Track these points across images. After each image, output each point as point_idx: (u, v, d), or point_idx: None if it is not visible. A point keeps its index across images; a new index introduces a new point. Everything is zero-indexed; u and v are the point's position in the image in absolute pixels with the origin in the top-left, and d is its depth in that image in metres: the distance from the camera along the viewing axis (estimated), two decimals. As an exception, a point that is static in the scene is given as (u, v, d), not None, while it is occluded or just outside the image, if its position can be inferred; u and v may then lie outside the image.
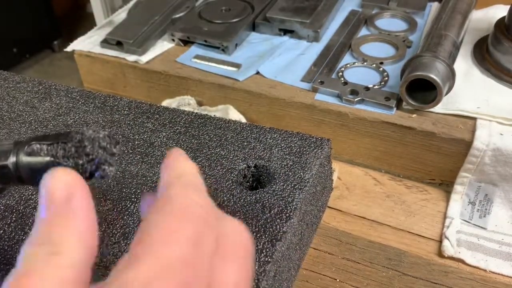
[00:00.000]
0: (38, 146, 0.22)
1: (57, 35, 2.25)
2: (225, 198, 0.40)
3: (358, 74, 0.65)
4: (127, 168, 0.44)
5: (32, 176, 0.22)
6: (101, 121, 0.50)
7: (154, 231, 0.18)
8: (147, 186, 0.42)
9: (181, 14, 0.77)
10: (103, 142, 0.22)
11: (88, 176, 0.22)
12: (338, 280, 0.48)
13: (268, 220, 0.38)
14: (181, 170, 0.22)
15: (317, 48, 0.70)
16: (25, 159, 0.22)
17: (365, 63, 0.66)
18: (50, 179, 0.20)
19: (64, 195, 0.19)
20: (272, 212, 0.38)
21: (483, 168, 0.54)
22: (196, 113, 0.50)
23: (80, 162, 0.22)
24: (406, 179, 0.60)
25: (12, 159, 0.22)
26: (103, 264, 0.36)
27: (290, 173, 0.42)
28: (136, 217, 0.39)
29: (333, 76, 0.64)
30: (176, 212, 0.19)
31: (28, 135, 0.49)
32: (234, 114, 0.64)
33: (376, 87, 0.61)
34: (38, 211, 0.19)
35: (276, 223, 0.37)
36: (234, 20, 0.74)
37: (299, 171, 0.42)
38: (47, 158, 0.22)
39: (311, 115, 0.61)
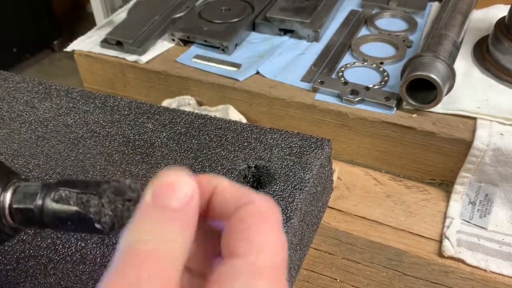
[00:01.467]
0: (67, 193, 0.21)
1: (57, 35, 2.25)
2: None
3: (358, 74, 0.65)
4: (127, 168, 0.44)
5: (57, 223, 0.22)
6: (101, 121, 0.50)
7: None
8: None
9: (181, 14, 0.77)
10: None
11: (110, 230, 0.22)
12: (338, 280, 0.48)
13: (269, 221, 0.38)
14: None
15: (317, 48, 0.70)
16: (51, 205, 0.21)
17: (365, 63, 0.66)
18: (179, 177, 0.20)
19: (190, 195, 0.20)
20: (272, 212, 0.38)
21: (483, 168, 0.54)
22: (197, 113, 0.50)
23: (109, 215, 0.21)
24: (406, 179, 0.60)
25: (38, 203, 0.22)
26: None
27: (290, 174, 0.42)
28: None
29: (333, 76, 0.64)
30: None
31: (28, 135, 0.49)
32: (234, 114, 0.64)
33: (376, 87, 0.61)
34: (147, 199, 0.19)
35: (277, 223, 0.37)
36: (234, 20, 0.74)
37: (300, 172, 0.42)
38: (75, 208, 0.21)
39: (311, 115, 0.61)
